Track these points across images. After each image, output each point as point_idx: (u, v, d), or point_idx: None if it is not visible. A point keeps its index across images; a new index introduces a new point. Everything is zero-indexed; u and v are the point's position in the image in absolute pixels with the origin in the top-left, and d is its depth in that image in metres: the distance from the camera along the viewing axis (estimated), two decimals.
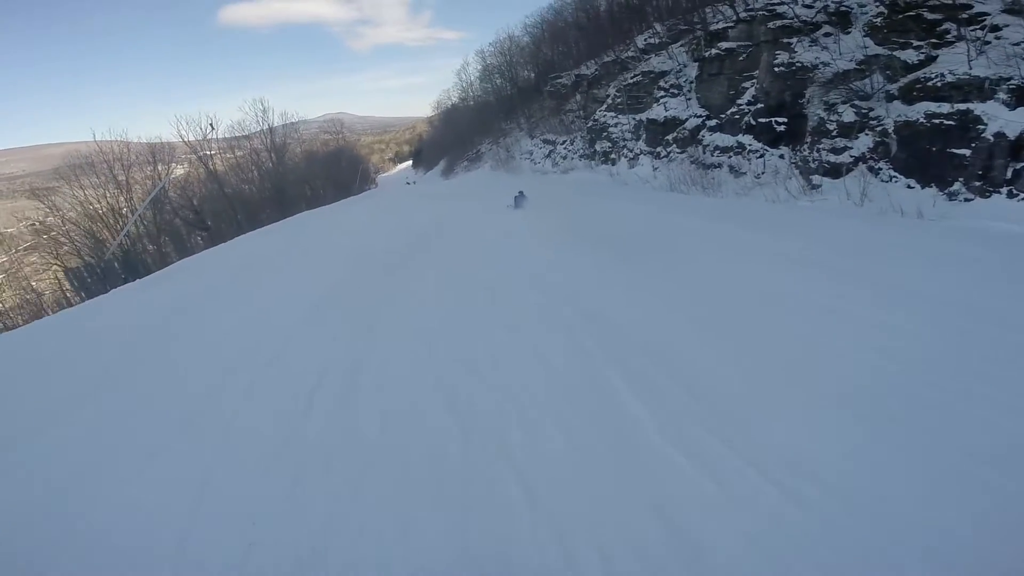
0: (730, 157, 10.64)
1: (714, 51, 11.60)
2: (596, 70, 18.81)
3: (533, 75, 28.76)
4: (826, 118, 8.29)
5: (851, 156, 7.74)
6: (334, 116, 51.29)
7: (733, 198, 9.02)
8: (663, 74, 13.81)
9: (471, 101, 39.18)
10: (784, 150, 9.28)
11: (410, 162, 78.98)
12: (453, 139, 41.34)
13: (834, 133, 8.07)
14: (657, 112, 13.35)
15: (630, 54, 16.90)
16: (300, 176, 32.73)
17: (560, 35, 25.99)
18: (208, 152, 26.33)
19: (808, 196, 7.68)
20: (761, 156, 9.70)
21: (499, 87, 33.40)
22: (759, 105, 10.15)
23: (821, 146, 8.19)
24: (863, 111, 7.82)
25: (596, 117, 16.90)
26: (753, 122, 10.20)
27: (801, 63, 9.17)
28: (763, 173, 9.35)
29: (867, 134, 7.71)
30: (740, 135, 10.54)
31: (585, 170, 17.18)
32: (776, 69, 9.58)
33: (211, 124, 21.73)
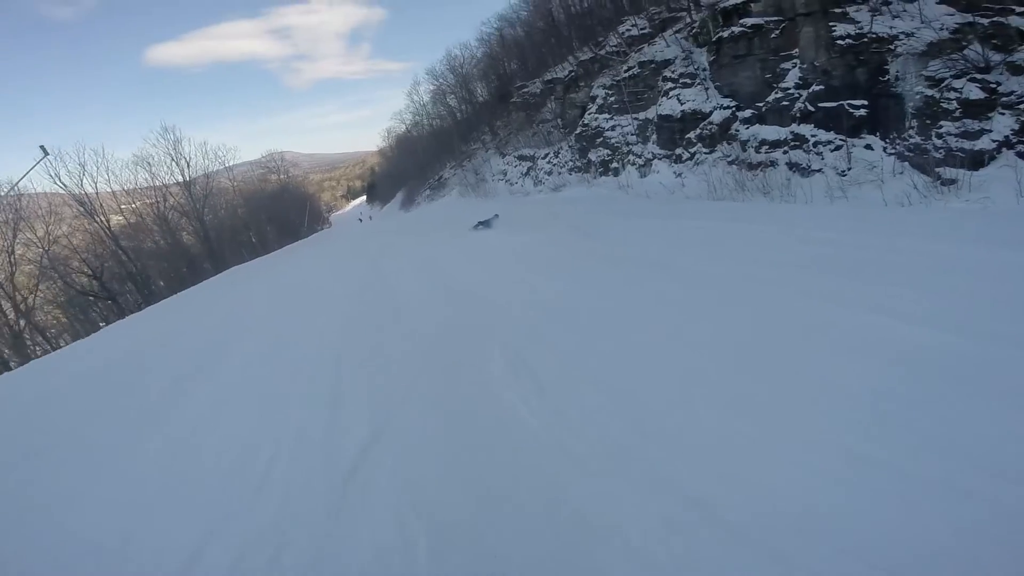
0: (785, 152, 8.74)
1: (736, 30, 9.80)
2: (572, 71, 16.88)
3: (492, 88, 26.70)
4: (938, 97, 6.46)
5: (992, 141, 5.91)
6: (276, 154, 46.02)
7: (826, 204, 6.99)
8: (667, 63, 11.94)
9: (426, 126, 36.56)
10: (871, 139, 7.42)
11: (364, 197, 74.49)
12: (410, 168, 38.38)
13: (957, 114, 6.24)
14: (669, 107, 11.40)
15: (611, 48, 15.07)
16: (238, 222, 28.46)
17: (517, 44, 24.14)
18: (96, 204, 20.78)
19: (956, 194, 5.71)
20: (837, 148, 7.81)
21: (454, 107, 31.06)
22: (816, 87, 8.33)
23: (941, 130, 6.32)
24: (990, 86, 6.06)
25: (586, 122, 14.82)
26: (811, 108, 8.35)
27: (875, 34, 7.40)
28: (850, 169, 7.42)
29: (1002, 113, 5.95)
30: (794, 125, 8.67)
31: (580, 185, 14.94)
32: (839, 43, 7.78)
33: (43, 149, 16.10)
